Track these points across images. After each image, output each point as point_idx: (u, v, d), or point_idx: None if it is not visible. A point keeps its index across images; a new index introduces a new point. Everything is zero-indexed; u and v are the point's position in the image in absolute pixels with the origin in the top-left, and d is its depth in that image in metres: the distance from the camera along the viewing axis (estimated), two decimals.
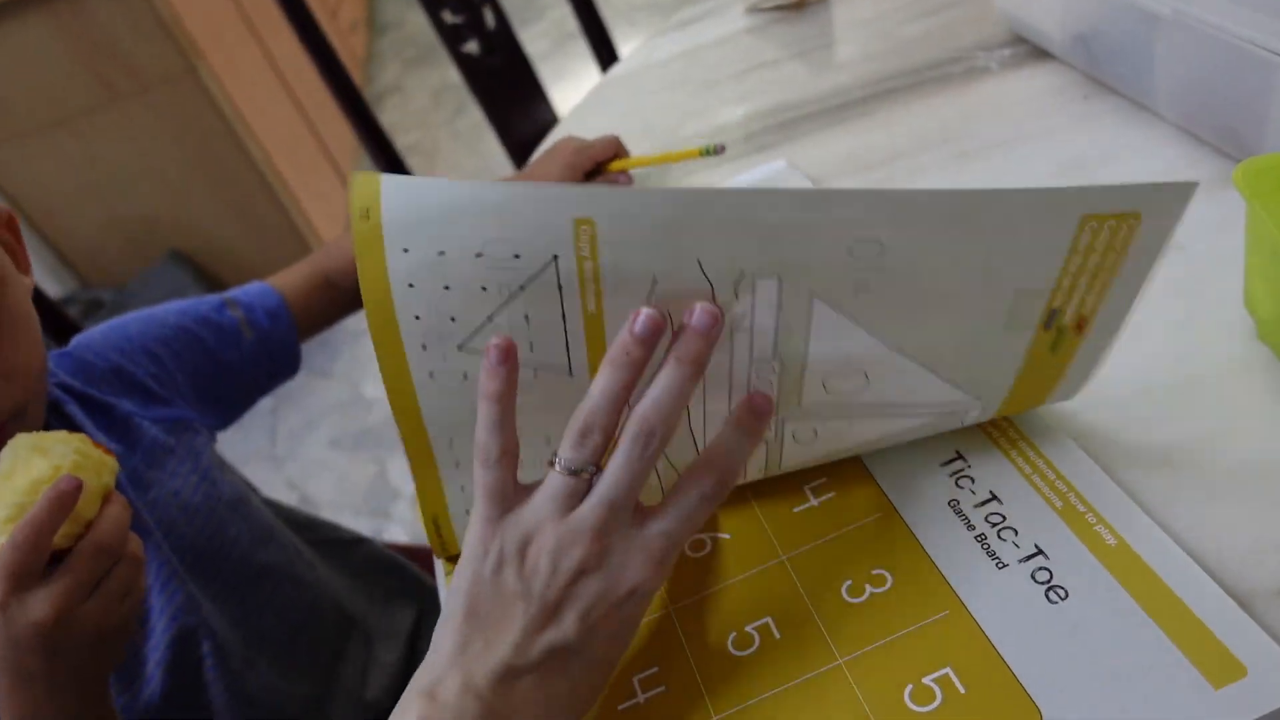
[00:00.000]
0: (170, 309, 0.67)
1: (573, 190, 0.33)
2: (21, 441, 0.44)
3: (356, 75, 2.96)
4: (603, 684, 0.36)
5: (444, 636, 0.35)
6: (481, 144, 2.67)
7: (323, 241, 2.13)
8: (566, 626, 0.34)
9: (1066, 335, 0.39)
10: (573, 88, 2.53)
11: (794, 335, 0.37)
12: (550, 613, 0.34)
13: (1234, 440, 0.41)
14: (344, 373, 2.06)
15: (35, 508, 0.40)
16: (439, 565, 0.49)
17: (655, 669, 0.40)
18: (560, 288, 0.35)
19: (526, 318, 0.36)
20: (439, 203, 0.34)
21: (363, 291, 0.35)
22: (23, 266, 0.55)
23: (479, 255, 0.34)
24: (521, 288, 0.35)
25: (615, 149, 0.70)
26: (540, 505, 0.35)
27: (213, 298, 0.69)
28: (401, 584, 0.77)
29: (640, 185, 0.72)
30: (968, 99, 0.67)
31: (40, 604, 0.41)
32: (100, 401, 0.60)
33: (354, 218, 0.34)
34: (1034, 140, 0.61)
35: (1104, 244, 0.36)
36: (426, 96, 3.06)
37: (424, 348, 0.37)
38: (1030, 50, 0.69)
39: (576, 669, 0.34)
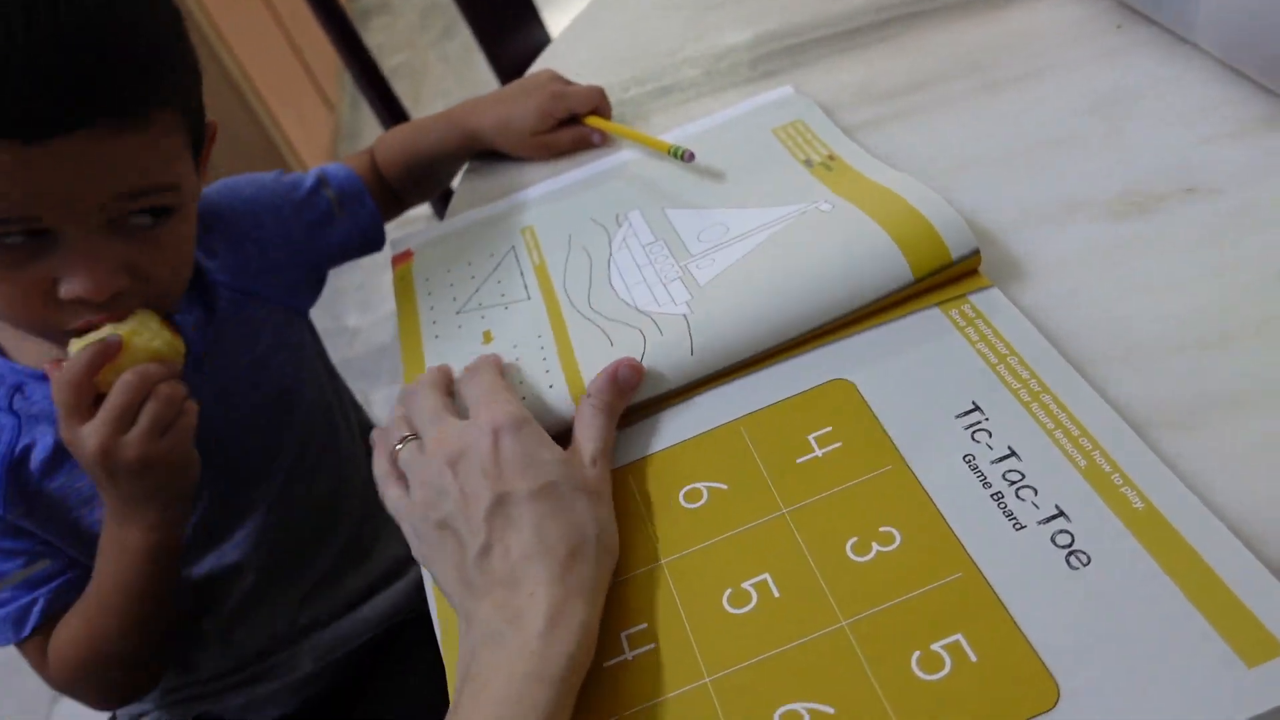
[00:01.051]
0: (273, 182, 0.67)
1: (519, 211, 0.61)
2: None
3: None
4: (560, 512, 0.38)
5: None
6: (469, 67, 2.57)
7: (305, 163, 2.06)
8: (481, 493, 0.38)
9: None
10: (564, 9, 2.43)
11: (664, 228, 0.55)
12: (465, 499, 0.39)
13: (1274, 401, 0.38)
14: (326, 303, 2.00)
15: (77, 355, 0.47)
16: None
17: (644, 625, 0.38)
18: (517, 259, 0.57)
19: (499, 280, 0.56)
20: (444, 241, 0.61)
21: (400, 299, 0.58)
22: (201, 169, 0.56)
23: (469, 263, 0.58)
24: (495, 268, 0.57)
25: (596, 102, 0.65)
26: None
27: (307, 177, 0.69)
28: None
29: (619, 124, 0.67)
30: (992, 26, 0.63)
31: (87, 435, 0.48)
32: (196, 264, 0.59)
33: (398, 272, 0.60)
34: (1063, 72, 0.57)
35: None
36: (414, 15, 2.95)
37: (432, 309, 0.56)
38: None
39: (518, 512, 0.38)
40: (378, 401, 1.76)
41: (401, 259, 0.61)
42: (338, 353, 1.91)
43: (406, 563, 0.73)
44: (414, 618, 0.72)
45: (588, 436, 0.42)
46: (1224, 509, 0.35)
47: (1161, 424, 0.38)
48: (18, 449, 0.54)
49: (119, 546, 0.52)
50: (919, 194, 0.47)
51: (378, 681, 0.71)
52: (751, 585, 0.38)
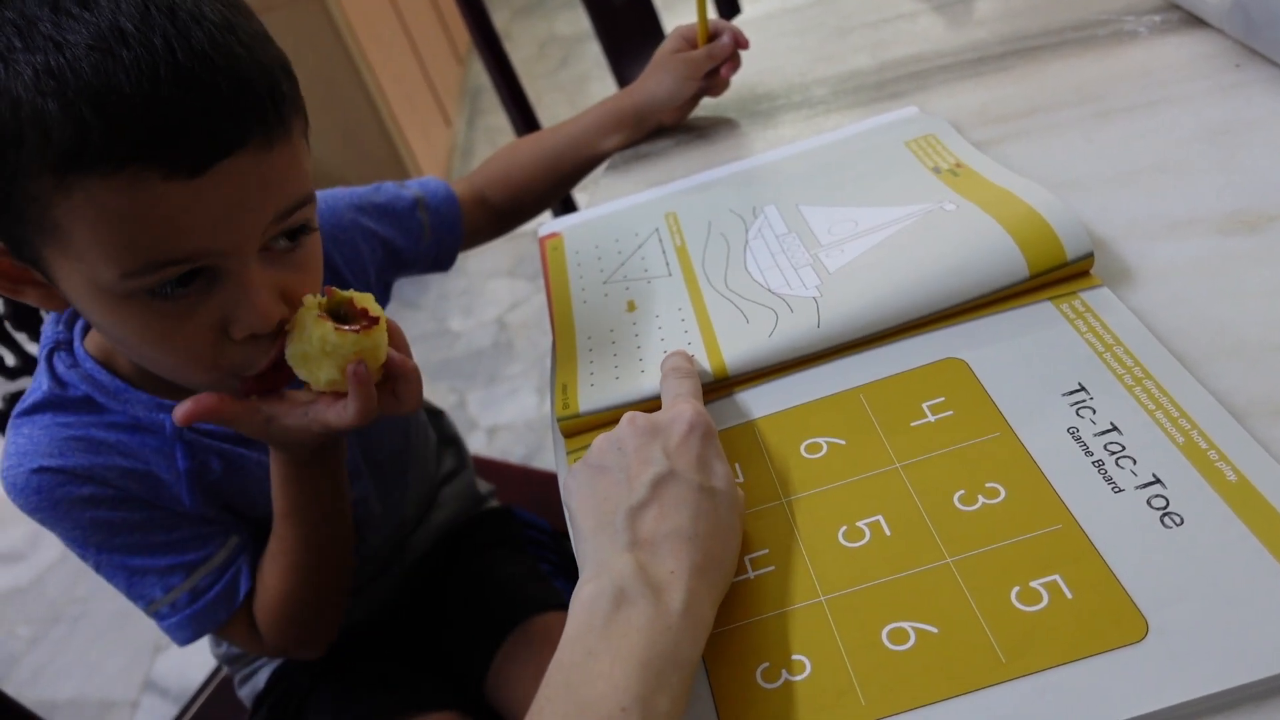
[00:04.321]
0: (370, 199, 0.69)
1: (662, 200, 0.67)
2: (309, 325, 0.48)
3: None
4: (716, 516, 0.40)
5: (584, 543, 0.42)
6: (582, 97, 2.69)
7: (422, 172, 2.18)
8: (655, 460, 0.42)
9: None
10: None
11: (797, 221, 0.60)
12: (638, 460, 0.42)
13: None
14: (432, 306, 2.11)
15: (355, 401, 0.49)
16: (558, 448, 0.52)
17: (766, 550, 0.42)
18: (660, 240, 0.63)
19: (643, 258, 0.62)
20: (592, 223, 0.68)
21: (551, 269, 0.64)
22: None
23: (616, 240, 0.65)
24: (639, 246, 0.63)
25: (728, 52, 0.72)
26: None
27: (405, 195, 0.71)
28: (455, 455, 0.84)
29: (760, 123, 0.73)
30: (1111, 61, 0.66)
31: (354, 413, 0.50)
32: None
33: (549, 245, 0.66)
34: (1178, 104, 0.61)
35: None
36: (533, 47, 3.09)
37: (581, 278, 0.62)
38: (1183, 17, 0.68)
39: (684, 493, 0.40)
40: (473, 402, 1.84)
41: (550, 237, 0.68)
42: (438, 354, 2.02)
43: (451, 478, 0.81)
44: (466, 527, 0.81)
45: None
46: None
47: (1259, 412, 0.41)
48: (195, 464, 0.57)
49: (313, 491, 0.56)
50: (1040, 197, 0.51)
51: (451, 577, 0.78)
52: (865, 524, 0.42)
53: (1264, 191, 0.52)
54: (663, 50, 0.74)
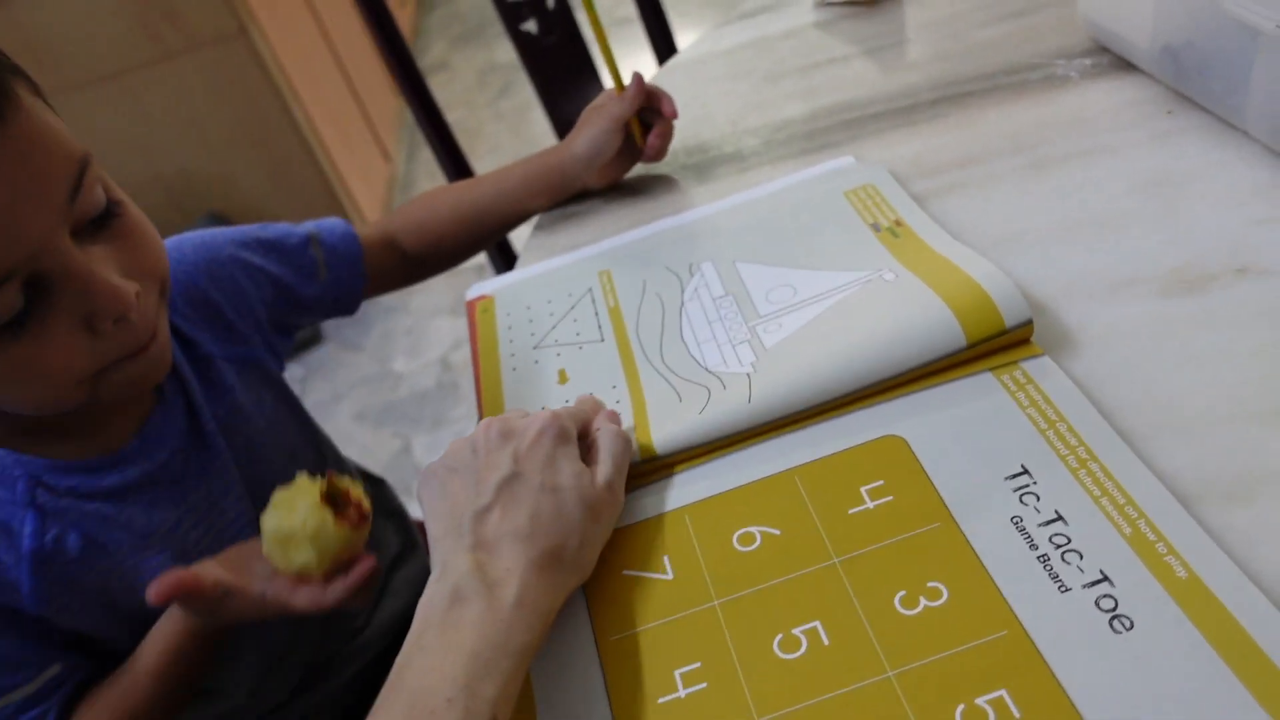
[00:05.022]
0: (254, 235, 0.66)
1: (596, 257, 0.64)
2: (305, 507, 0.48)
3: None
4: (558, 513, 0.42)
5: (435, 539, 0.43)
6: (524, 126, 2.66)
7: (362, 212, 2.13)
8: (503, 464, 0.43)
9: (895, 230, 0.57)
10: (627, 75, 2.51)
11: (734, 281, 0.58)
12: (487, 465, 0.43)
13: None
14: (374, 347, 2.06)
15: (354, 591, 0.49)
16: None
17: (698, 664, 0.39)
18: (593, 300, 0.60)
19: (575, 320, 0.60)
20: (525, 283, 0.64)
21: (480, 333, 0.61)
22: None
23: (549, 301, 0.62)
24: (572, 307, 0.61)
25: (639, 95, 0.69)
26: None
27: (298, 231, 0.68)
28: (400, 531, 0.78)
29: (697, 172, 0.70)
30: (1044, 107, 0.65)
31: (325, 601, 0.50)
32: (186, 336, 0.59)
33: (479, 308, 0.64)
34: (1112, 153, 0.59)
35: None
36: (472, 75, 3.05)
37: (511, 342, 0.60)
38: (1113, 61, 0.66)
39: (525, 494, 0.42)
40: (419, 447, 1.79)
41: (479, 300, 0.64)
42: (381, 396, 1.96)
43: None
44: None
45: (602, 459, 0.45)
46: (1267, 582, 0.35)
47: (1210, 496, 0.39)
48: (47, 542, 0.50)
49: (198, 664, 0.53)
50: (979, 267, 0.49)
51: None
52: (802, 632, 0.39)
53: (1203, 247, 0.51)
54: (587, 108, 0.71)
